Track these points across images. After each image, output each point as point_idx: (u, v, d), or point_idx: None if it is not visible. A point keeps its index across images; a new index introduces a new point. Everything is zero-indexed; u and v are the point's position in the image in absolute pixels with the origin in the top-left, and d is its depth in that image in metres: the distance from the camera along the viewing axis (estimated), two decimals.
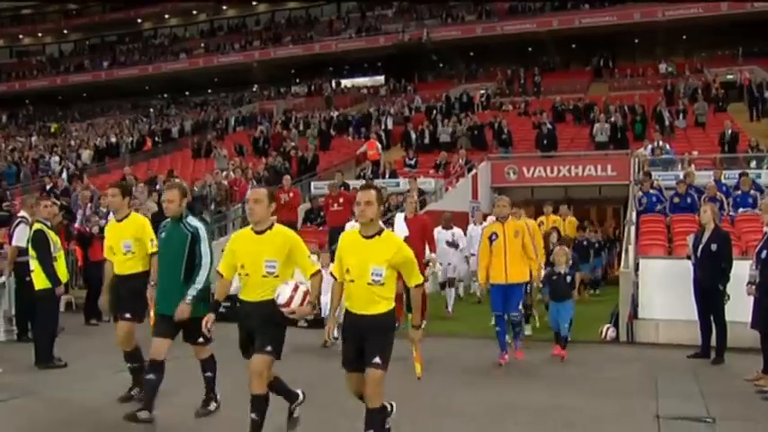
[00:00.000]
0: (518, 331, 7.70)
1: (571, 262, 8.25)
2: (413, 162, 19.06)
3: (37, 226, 7.68)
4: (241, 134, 29.77)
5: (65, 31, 49.48)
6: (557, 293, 7.94)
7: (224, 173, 16.18)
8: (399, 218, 9.67)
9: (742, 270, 7.42)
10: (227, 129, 29.97)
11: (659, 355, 7.97)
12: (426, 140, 21.47)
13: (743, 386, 6.49)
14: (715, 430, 5.15)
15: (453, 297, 11.25)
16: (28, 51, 50.46)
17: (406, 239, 8.02)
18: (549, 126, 19.49)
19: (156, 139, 28.96)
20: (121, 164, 27.30)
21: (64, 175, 22.11)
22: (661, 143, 16.63)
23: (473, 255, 11.21)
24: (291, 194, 12.95)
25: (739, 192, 12.54)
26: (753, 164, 14.89)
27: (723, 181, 13.15)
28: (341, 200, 12.10)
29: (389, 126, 25.11)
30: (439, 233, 10.90)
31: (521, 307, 7.76)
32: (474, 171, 17.33)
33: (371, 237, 4.22)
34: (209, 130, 28.78)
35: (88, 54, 47.10)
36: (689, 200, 12.51)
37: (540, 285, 8.31)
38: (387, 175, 17.55)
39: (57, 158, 26.57)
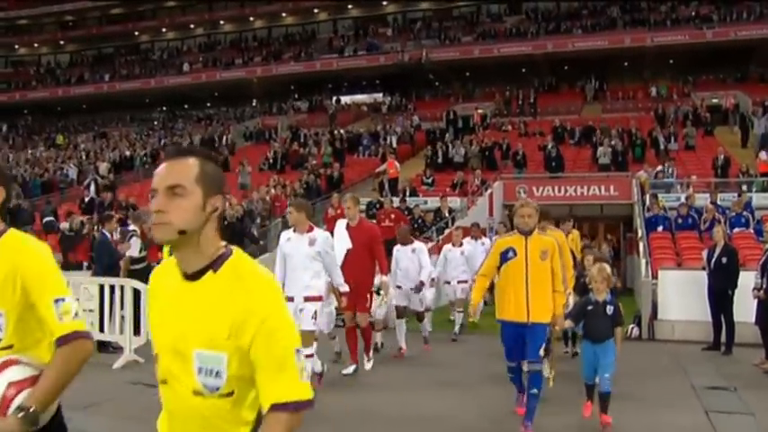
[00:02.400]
0: (534, 394, 5.65)
1: (612, 286, 6.30)
2: (430, 181, 20.92)
3: None
4: (250, 149, 31.44)
5: (61, 42, 50.68)
6: (595, 331, 5.96)
7: (270, 189, 17.82)
8: (340, 225, 7.92)
9: (744, 279, 9.43)
10: (234, 144, 31.56)
11: (678, 349, 9.87)
12: (439, 160, 23.38)
13: (751, 368, 8.45)
14: (738, 396, 7.04)
15: (404, 329, 9.24)
16: (23, 61, 51.63)
17: (349, 253, 7.58)
18: (555, 149, 21.46)
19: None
20: (137, 177, 28.88)
21: (92, 187, 23.62)
22: (667, 166, 18.65)
23: (447, 283, 11.14)
24: (339, 211, 14.70)
25: (733, 213, 14.57)
26: (744, 187, 16.98)
27: (719, 203, 15.16)
28: (392, 216, 13.93)
29: (394, 144, 26.99)
30: (397, 251, 9.38)
31: (542, 352, 5.82)
32: (490, 190, 19.24)
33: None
34: (220, 145, 30.34)
35: (86, 66, 48.36)
36: (690, 220, 14.58)
37: (561, 327, 6.26)
38: (407, 193, 19.35)
39: (75, 170, 28.06)
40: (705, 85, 34.22)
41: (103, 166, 28.48)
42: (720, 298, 9.54)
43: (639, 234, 14.49)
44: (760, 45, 32.32)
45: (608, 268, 6.20)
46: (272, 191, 17.72)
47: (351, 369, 7.93)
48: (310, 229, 6.68)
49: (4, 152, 36.83)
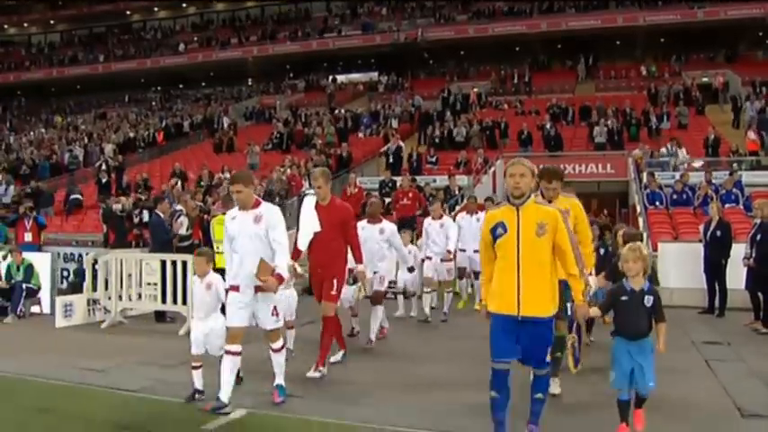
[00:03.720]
0: (540, 399, 4.85)
1: (650, 272, 5.05)
2: (434, 159, 22.05)
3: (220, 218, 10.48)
4: (252, 129, 32.38)
5: (51, 22, 51.05)
6: (630, 326, 4.91)
7: (285, 169, 18.87)
8: (309, 203, 7.14)
9: (735, 251, 10.70)
10: (236, 124, 32.46)
11: (677, 313, 11.07)
12: (438, 140, 24.45)
13: (742, 328, 9.73)
14: (732, 348, 8.30)
15: (380, 318, 8.59)
16: (13, 41, 51.97)
17: (317, 237, 6.95)
18: (554, 128, 22.64)
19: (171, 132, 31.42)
20: (142, 158, 29.79)
21: (104, 168, 24.50)
22: (670, 145, 19.89)
23: (428, 258, 10.61)
24: (356, 190, 15.85)
25: (724, 190, 15.82)
26: (734, 166, 18.25)
27: (714, 181, 16.39)
28: (410, 194, 15.07)
29: (395, 125, 28.03)
30: (363, 229, 8.30)
31: (548, 358, 4.82)
32: (493, 168, 20.40)
33: None
34: (222, 126, 31.24)
35: (78, 46, 48.85)
36: (684, 196, 15.85)
37: (585, 316, 5.02)
38: (412, 169, 20.47)
39: (81, 152, 28.90)
40: (696, 63, 35.42)
41: (109, 148, 29.32)
42: (715, 267, 10.78)
43: (638, 210, 15.74)
44: (749, 25, 33.55)
45: (643, 247, 5.01)
46: (288, 170, 18.78)
47: (339, 355, 7.55)
48: (256, 204, 5.86)
49: (4, 134, 37.50)
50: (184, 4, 48.66)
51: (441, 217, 10.75)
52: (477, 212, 11.48)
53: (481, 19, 38.39)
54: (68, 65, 45.52)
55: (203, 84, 45.48)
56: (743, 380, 6.84)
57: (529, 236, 4.59)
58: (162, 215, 11.05)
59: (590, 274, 5.96)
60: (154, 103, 42.34)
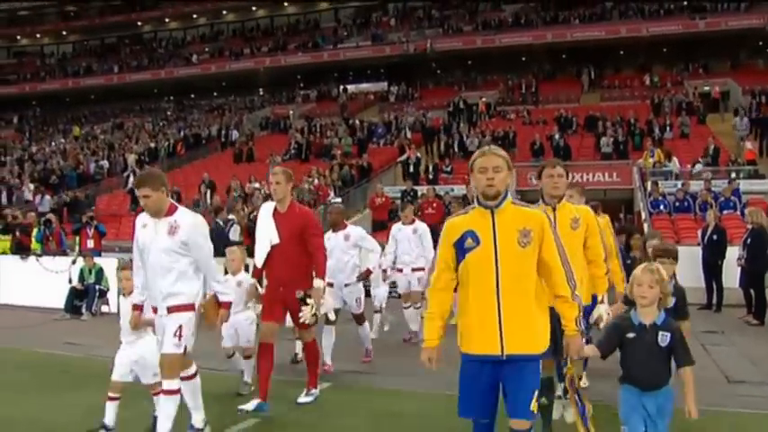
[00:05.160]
0: None
1: (673, 300, 4.23)
2: (449, 169, 23.58)
3: None
4: (267, 139, 33.89)
5: (63, 33, 52.80)
6: (641, 372, 3.92)
7: (311, 179, 20.40)
8: (265, 210, 6.36)
9: (731, 253, 12.24)
10: (252, 134, 33.99)
11: None
12: (450, 150, 26.01)
13: (736, 320, 11.25)
14: (726, 336, 9.83)
15: (332, 339, 7.73)
16: (26, 52, 53.68)
17: (275, 251, 6.16)
18: (562, 139, 24.19)
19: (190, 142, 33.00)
20: (161, 168, 31.31)
21: (130, 179, 26.03)
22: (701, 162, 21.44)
23: (398, 270, 9.65)
24: (383, 198, 17.40)
25: (723, 198, 17.38)
26: (733, 175, 19.81)
27: (713, 189, 17.95)
28: (434, 204, 16.62)
29: (408, 135, 29.56)
30: (329, 240, 7.61)
31: (541, 400, 3.93)
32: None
33: None
34: (240, 136, 32.80)
35: (91, 56, 50.54)
36: (686, 203, 17.44)
37: (579, 355, 3.90)
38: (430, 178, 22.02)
39: (106, 162, 30.47)
40: (697, 73, 37.02)
41: (131, 158, 30.84)
42: (712, 268, 12.32)
43: (643, 216, 17.29)
44: (750, 34, 35.20)
45: (662, 269, 3.98)
46: (315, 180, 20.31)
47: (309, 398, 6.48)
48: (171, 211, 5.05)
49: (24, 143, 39.10)
50: (195, 15, 50.42)
51: (413, 222, 9.60)
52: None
53: (488, 30, 40.02)
54: (83, 75, 47.21)
55: (215, 94, 47.06)
56: (733, 358, 8.35)
57: (509, 247, 3.57)
58: (221, 222, 12.61)
59: (601, 301, 5.22)
60: (169, 113, 43.87)
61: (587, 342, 4.07)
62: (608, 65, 39.95)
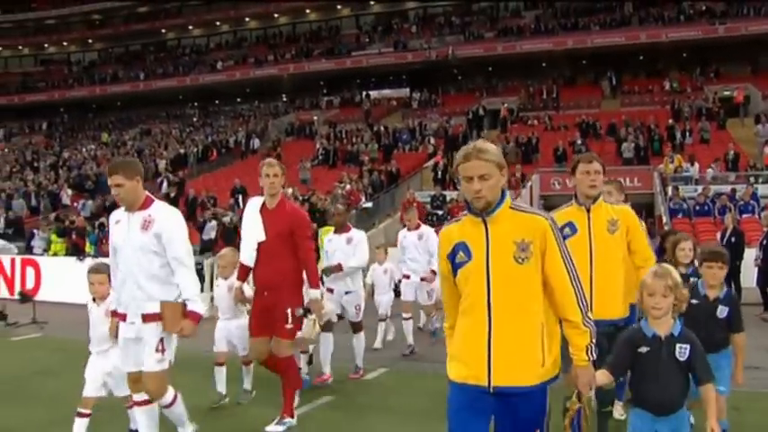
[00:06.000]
0: None
1: (726, 311, 4.56)
2: None
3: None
4: (294, 145, 34.99)
5: (89, 41, 54.30)
6: (653, 394, 3.51)
7: (344, 185, 21.43)
8: (253, 205, 5.90)
9: (749, 255, 13.14)
10: (280, 140, 35.12)
11: None
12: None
13: (753, 317, 12.14)
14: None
15: (330, 348, 7.41)
16: (53, 60, 55.27)
17: (261, 250, 5.72)
18: (584, 145, 25.08)
19: (222, 149, 34.18)
20: (191, 173, 32.48)
21: (165, 184, 27.19)
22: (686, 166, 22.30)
23: (405, 277, 9.32)
24: (416, 203, 18.38)
25: (742, 202, 18.25)
26: (752, 179, 20.66)
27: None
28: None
29: (432, 140, 30.54)
30: (330, 242, 7.62)
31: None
32: (529, 183, 22.87)
33: None
34: (266, 141, 33.93)
35: (116, 63, 51.98)
36: (706, 207, 18.32)
37: (589, 384, 3.33)
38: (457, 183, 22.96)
39: None
40: (717, 78, 37.67)
41: (162, 164, 32.04)
42: (730, 268, 13.21)
43: (664, 220, 18.17)
44: None
45: (675, 273, 3.48)
46: (348, 186, 21.35)
47: (280, 427, 5.78)
48: (147, 204, 4.68)
49: (55, 149, 40.47)
50: (218, 23, 51.66)
51: (418, 227, 9.25)
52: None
53: (509, 36, 40.94)
54: (110, 82, 48.59)
55: (238, 100, 48.24)
56: (750, 350, 9.24)
57: (503, 261, 3.12)
58: None
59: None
60: (195, 119, 45.12)
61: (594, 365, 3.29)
62: (627, 70, 40.67)
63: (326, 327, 7.21)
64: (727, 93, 33.99)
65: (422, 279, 9.17)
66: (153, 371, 4.59)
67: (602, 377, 3.55)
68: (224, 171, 31.59)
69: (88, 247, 15.93)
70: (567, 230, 4.34)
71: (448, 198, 19.64)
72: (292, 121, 39.86)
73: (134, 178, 4.55)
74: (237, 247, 6.32)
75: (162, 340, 4.59)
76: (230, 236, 15.95)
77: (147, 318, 4.57)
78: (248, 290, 6.03)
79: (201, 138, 37.20)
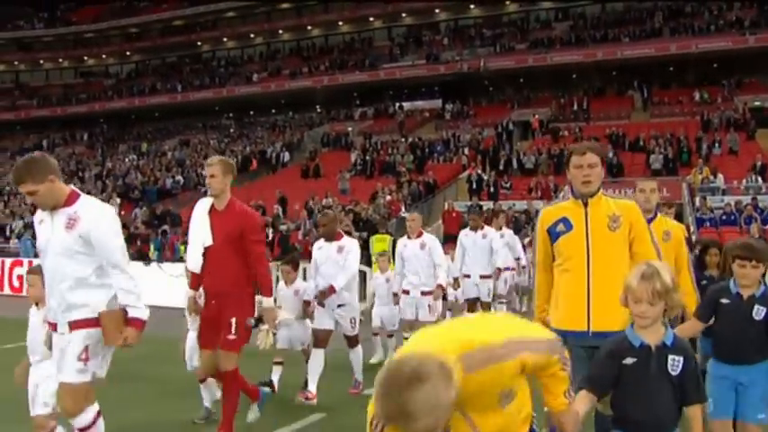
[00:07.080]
0: None
1: (764, 312, 3.97)
2: (508, 185, 25.78)
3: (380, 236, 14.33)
4: (330, 155, 36.38)
5: (127, 53, 56.44)
6: (638, 412, 3.00)
7: (385, 195, 22.78)
8: (201, 206, 5.66)
9: None
10: (316, 151, 36.58)
11: None
12: (506, 166, 28.20)
13: None
14: None
15: (321, 364, 6.98)
16: (92, 72, 57.50)
17: (208, 255, 5.48)
18: (615, 157, 26.23)
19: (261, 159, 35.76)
20: (233, 183, 33.96)
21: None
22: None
23: (404, 291, 8.43)
24: (454, 213, 19.68)
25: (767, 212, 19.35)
26: None
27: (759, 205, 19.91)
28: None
29: (465, 152, 31.80)
30: (320, 249, 7.29)
31: None
32: (561, 193, 24.02)
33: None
34: (304, 152, 35.43)
35: (153, 75, 53.97)
36: (732, 217, 19.43)
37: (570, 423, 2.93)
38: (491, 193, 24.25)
39: (181, 178, 33.31)
40: (748, 88, 38.47)
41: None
42: None
43: (692, 229, 19.27)
44: None
45: (664, 274, 2.95)
46: (387, 196, 22.69)
47: (254, 411, 5.86)
48: (72, 200, 4.23)
49: (97, 159, 42.38)
50: (252, 35, 53.46)
51: (420, 235, 8.52)
52: (482, 228, 10.20)
53: (539, 48, 42.12)
54: (148, 94, 50.51)
55: (273, 111, 49.85)
56: None
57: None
58: None
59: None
60: (232, 130, 46.82)
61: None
62: (658, 81, 41.56)
63: (319, 342, 6.99)
64: (757, 103, 34.73)
65: (423, 293, 8.32)
66: (69, 381, 4.06)
67: (585, 401, 3.02)
68: (265, 180, 33.06)
69: (152, 252, 17.39)
70: (560, 227, 4.10)
71: (484, 208, 20.83)
72: (327, 132, 41.30)
73: (46, 179, 4.05)
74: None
75: (86, 348, 4.09)
76: (286, 244, 17.28)
77: (73, 325, 4.11)
78: (199, 298, 5.70)
79: (240, 148, 38.75)
